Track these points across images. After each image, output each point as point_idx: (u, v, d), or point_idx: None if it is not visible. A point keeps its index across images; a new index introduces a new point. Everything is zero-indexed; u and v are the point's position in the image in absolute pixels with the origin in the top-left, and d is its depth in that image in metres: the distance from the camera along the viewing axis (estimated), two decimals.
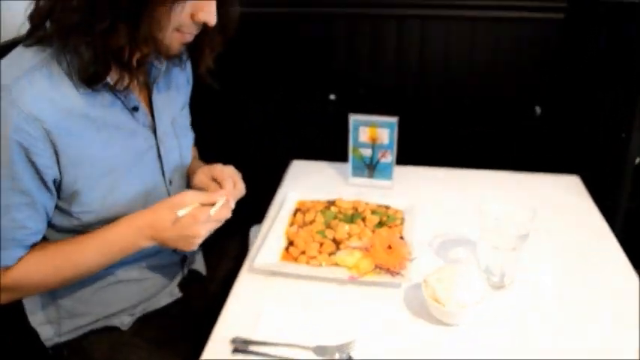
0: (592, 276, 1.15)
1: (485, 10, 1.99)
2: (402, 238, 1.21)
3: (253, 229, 1.49)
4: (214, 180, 1.17)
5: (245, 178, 2.34)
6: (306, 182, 1.55)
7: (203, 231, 1.03)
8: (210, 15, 0.97)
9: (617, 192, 1.63)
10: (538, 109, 2.09)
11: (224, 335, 1.01)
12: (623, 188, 1.59)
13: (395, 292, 1.11)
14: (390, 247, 1.15)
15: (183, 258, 1.30)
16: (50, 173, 0.96)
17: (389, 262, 1.12)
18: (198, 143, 1.52)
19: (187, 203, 1.01)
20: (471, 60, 2.06)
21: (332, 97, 2.18)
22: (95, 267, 1.06)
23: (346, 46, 2.09)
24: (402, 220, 1.31)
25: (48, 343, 1.18)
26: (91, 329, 1.18)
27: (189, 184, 1.26)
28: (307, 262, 1.17)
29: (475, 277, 1.04)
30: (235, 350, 0.98)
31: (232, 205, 1.08)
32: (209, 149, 1.76)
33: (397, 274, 1.12)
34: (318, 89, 2.16)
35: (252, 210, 1.53)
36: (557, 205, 1.40)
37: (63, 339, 1.18)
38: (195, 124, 1.35)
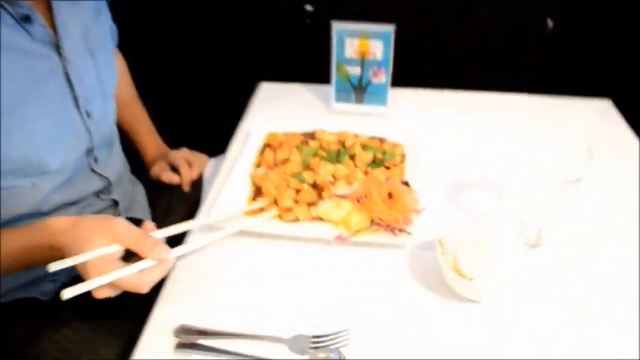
0: None
1: None
2: (405, 183, 0.92)
3: (210, 163, 1.22)
4: (170, 166, 1.18)
5: (205, 104, 1.98)
6: (278, 109, 1.26)
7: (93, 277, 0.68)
8: None
9: None
10: (550, 22, 1.78)
11: (165, 322, 0.73)
12: None
13: (398, 255, 0.83)
14: (390, 195, 0.87)
15: (116, 202, 1.01)
16: None
17: (390, 215, 0.84)
18: (150, 62, 1.21)
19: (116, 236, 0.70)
20: None
21: (308, 7, 1.83)
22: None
23: None
24: (403, 156, 1.02)
25: None
26: (2, 302, 0.91)
27: (146, 172, 1.20)
28: (280, 217, 0.89)
29: (509, 237, 0.77)
30: (180, 346, 0.70)
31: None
32: (162, 69, 1.45)
33: (401, 231, 0.84)
34: None
35: (212, 144, 1.24)
36: (589, 135, 1.13)
37: None
38: (143, 38, 1.03)
